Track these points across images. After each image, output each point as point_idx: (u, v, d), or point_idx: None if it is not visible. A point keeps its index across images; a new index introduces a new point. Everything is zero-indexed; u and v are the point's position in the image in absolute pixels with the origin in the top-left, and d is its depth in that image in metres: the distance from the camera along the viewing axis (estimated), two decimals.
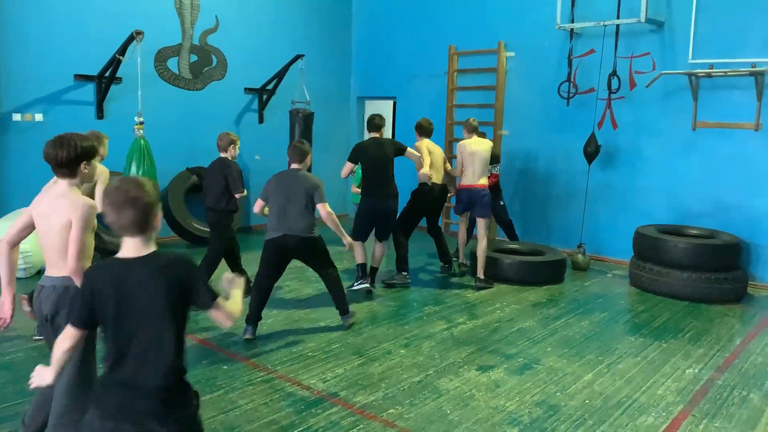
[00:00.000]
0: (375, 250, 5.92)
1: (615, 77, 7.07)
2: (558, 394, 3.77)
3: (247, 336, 4.50)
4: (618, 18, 6.99)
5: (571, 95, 7.54)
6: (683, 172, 6.92)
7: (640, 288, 6.27)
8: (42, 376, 2.08)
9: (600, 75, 7.22)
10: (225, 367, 4.02)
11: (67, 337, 2.02)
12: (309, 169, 4.95)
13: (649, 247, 6.21)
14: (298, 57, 8.29)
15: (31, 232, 2.62)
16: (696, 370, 4.21)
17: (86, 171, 2.58)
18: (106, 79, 6.94)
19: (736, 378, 4.11)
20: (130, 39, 6.40)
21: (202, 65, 8.13)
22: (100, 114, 7.08)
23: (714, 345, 4.73)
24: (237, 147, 5.36)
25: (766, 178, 6.40)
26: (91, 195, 4.72)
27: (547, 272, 6.41)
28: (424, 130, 6.29)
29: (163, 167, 6.70)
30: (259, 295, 4.58)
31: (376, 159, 5.70)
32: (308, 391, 3.69)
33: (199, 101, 8.08)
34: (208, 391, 3.63)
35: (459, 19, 8.70)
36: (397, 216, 6.01)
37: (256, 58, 8.60)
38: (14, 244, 2.61)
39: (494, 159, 6.90)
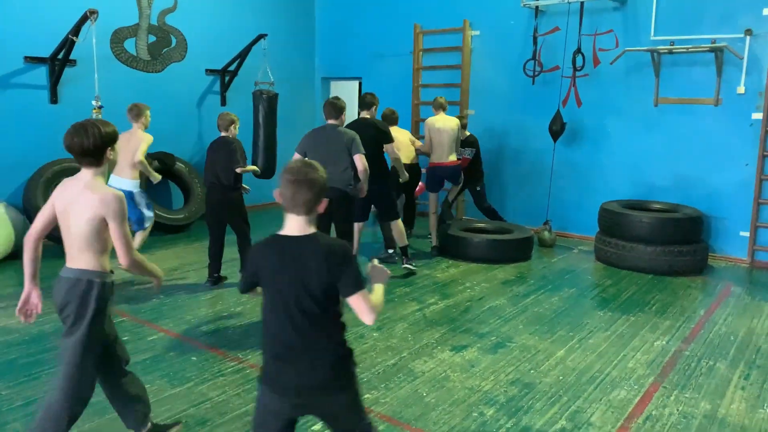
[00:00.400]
0: (393, 232, 5.89)
1: (579, 55, 7.10)
2: (532, 371, 3.81)
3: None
4: None
5: (536, 73, 7.55)
6: (646, 147, 7.04)
7: (605, 263, 6.38)
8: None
9: (565, 53, 7.24)
10: (194, 358, 3.93)
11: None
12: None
13: (613, 223, 6.31)
14: (260, 37, 8.06)
15: (54, 225, 2.52)
16: (664, 342, 4.31)
17: (111, 157, 2.53)
18: (59, 62, 6.63)
19: (703, 348, 4.22)
20: (84, 19, 6.11)
21: (160, 46, 7.85)
22: (54, 98, 6.78)
23: (680, 317, 4.85)
24: (237, 126, 5.41)
25: (725, 152, 6.55)
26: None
27: (514, 250, 6.47)
28: (388, 119, 6.47)
29: None
30: None
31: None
32: None
33: (158, 84, 7.81)
34: (177, 384, 3.54)
35: None
36: (390, 196, 5.95)
37: (217, 38, 8.35)
38: (40, 239, 2.53)
39: (468, 144, 7.05)
